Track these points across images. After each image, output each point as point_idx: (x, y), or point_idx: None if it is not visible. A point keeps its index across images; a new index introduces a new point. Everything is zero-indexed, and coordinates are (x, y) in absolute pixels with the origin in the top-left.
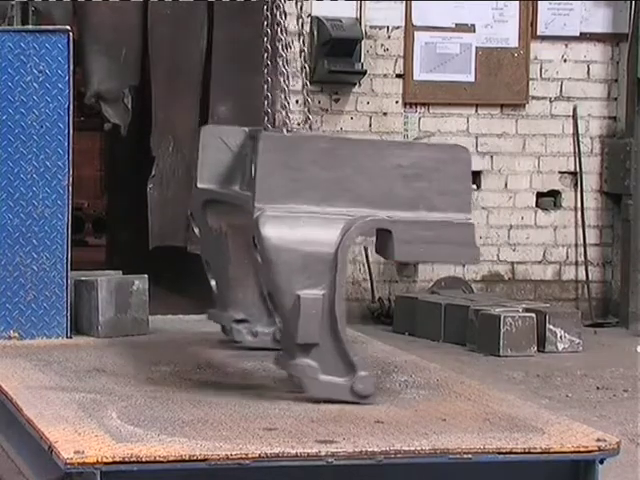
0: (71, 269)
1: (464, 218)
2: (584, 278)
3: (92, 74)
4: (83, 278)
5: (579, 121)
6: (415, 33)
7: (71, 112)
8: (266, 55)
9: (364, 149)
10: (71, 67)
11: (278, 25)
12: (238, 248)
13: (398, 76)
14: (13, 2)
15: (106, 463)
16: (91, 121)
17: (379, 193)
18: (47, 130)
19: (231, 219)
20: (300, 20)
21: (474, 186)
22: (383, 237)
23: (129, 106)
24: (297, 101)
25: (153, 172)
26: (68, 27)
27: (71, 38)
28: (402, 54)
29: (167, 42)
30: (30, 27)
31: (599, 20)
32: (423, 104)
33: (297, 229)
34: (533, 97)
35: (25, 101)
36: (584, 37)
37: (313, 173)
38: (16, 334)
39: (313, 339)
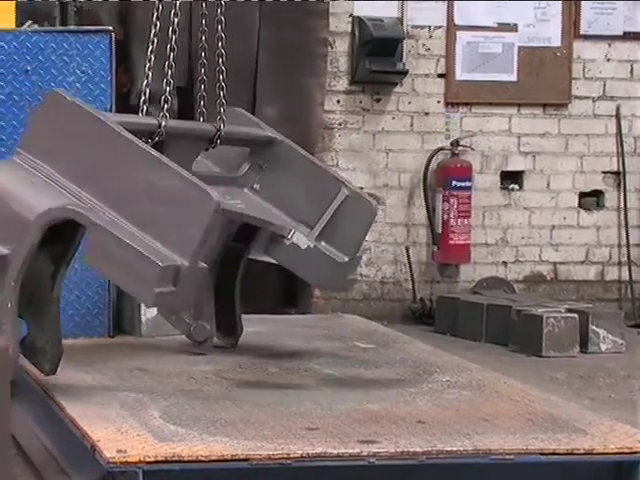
0: None
1: (172, 259)
2: (627, 278)
3: (138, 75)
4: None
5: (622, 120)
6: (457, 33)
7: (113, 112)
8: (154, 31)
9: (128, 151)
10: (113, 67)
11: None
12: None
13: (440, 76)
14: (56, 2)
15: (148, 462)
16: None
17: (121, 198)
18: None
19: None
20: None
21: (516, 186)
22: None
23: (174, 107)
24: (338, 101)
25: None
26: (110, 27)
27: (113, 39)
28: (444, 54)
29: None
30: (73, 27)
31: None
32: (465, 104)
33: (22, 185)
34: (576, 97)
35: None
36: (627, 36)
37: (77, 149)
38: None
39: None
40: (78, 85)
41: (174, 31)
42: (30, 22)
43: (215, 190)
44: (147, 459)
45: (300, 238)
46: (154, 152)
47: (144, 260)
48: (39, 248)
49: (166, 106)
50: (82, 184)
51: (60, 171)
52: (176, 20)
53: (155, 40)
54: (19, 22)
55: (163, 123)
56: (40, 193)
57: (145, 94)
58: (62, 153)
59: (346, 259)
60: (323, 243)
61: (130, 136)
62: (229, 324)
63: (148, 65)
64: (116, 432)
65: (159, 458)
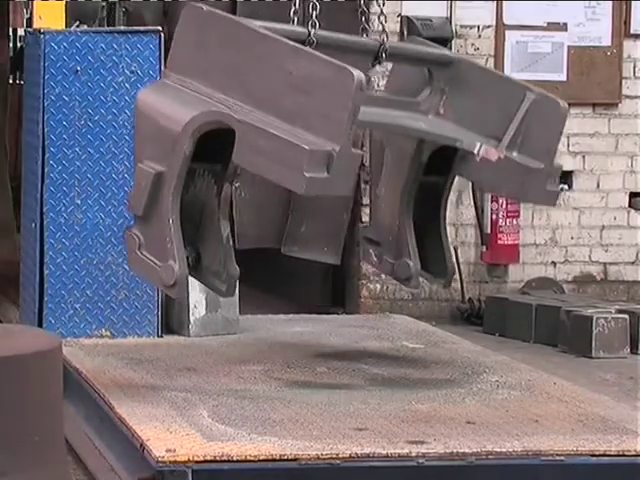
0: None
1: (322, 145)
2: None
3: None
4: None
5: None
6: (506, 32)
7: None
8: None
9: (266, 48)
10: (162, 68)
11: None
12: (393, 169)
13: None
14: (104, 3)
15: (197, 462)
16: None
17: (266, 95)
18: None
19: (393, 138)
20: None
21: (565, 186)
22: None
23: None
24: None
25: (239, 171)
26: (159, 28)
27: (162, 39)
28: (493, 53)
29: None
30: (122, 28)
31: None
32: None
33: (170, 102)
34: (626, 96)
35: (117, 101)
36: None
37: (219, 57)
38: (108, 332)
39: (138, 211)
40: (127, 85)
41: None
42: (78, 23)
43: (394, 112)
44: (196, 458)
45: (489, 151)
46: (291, 43)
47: (291, 147)
48: (198, 168)
49: (314, 13)
50: (227, 91)
51: (205, 82)
52: None
53: None
54: (68, 23)
55: (312, 30)
56: (186, 106)
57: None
58: (205, 64)
59: (541, 166)
60: (515, 153)
61: (267, 33)
62: (438, 264)
63: None
64: (165, 431)
65: (208, 457)
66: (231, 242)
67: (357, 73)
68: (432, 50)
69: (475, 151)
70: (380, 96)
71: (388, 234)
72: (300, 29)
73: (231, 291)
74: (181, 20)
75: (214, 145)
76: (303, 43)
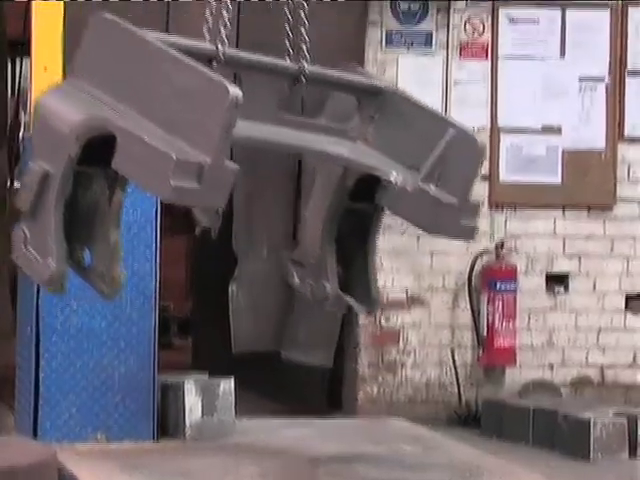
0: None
1: (193, 156)
2: None
3: None
4: (170, 380)
5: None
6: (501, 135)
7: (159, 216)
8: None
9: (157, 58)
10: None
11: None
12: (320, 192)
13: (484, 178)
14: None
15: None
16: (177, 222)
17: (152, 104)
18: (135, 234)
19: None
20: None
21: (562, 288)
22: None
23: (219, 210)
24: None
25: (236, 274)
26: None
27: None
28: (488, 155)
29: None
30: None
31: None
32: (509, 205)
33: (66, 106)
34: (621, 199)
35: None
36: None
37: (115, 65)
38: (103, 437)
39: (24, 207)
40: None
41: None
42: None
43: (320, 137)
44: None
45: (406, 181)
46: (177, 53)
47: (160, 155)
48: (93, 171)
49: (224, 31)
50: (121, 99)
51: (102, 90)
52: None
53: None
54: None
55: (220, 47)
56: (77, 110)
57: None
58: (103, 72)
59: (454, 200)
60: (431, 186)
61: (158, 44)
62: (363, 291)
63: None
64: None
65: None
66: (120, 247)
67: (233, 89)
68: (361, 79)
69: (392, 180)
70: (307, 120)
71: (311, 256)
72: (209, 46)
73: (113, 294)
74: (91, 27)
75: (110, 150)
76: (211, 61)
